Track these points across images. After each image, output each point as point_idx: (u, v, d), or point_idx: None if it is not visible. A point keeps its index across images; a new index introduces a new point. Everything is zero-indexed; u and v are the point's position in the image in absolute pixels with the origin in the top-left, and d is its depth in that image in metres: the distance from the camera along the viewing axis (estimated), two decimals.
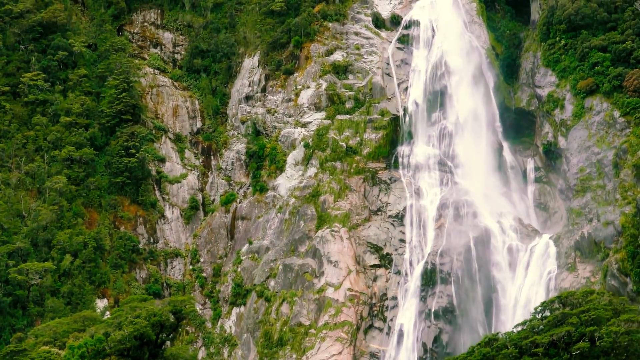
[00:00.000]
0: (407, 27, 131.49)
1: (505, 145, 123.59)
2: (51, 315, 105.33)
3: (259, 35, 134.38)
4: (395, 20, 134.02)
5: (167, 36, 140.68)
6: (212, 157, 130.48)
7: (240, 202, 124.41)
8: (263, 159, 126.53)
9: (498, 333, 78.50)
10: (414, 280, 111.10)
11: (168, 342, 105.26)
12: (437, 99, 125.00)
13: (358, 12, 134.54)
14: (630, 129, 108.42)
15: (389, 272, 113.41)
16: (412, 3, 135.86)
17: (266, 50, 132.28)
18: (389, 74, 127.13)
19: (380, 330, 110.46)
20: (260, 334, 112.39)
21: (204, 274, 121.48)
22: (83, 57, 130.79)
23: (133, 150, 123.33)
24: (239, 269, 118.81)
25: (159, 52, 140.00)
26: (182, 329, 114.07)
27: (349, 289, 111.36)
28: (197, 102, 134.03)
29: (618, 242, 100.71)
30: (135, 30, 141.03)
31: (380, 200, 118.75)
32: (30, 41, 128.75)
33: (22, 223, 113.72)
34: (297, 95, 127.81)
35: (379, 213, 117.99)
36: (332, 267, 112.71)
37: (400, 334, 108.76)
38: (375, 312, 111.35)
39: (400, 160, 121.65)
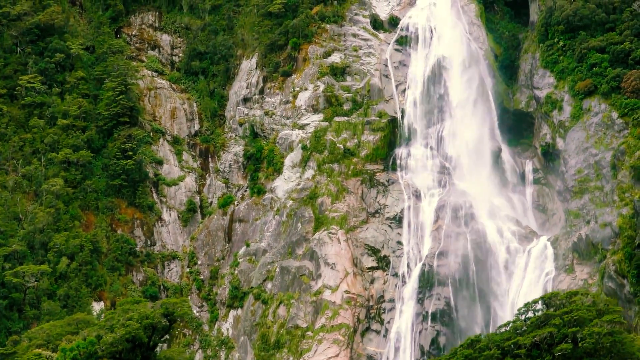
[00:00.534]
0: (405, 28, 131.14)
1: (504, 147, 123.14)
2: (47, 318, 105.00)
3: (257, 37, 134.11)
4: (394, 22, 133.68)
5: (165, 38, 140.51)
6: (209, 160, 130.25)
7: (237, 205, 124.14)
8: (261, 161, 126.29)
9: (480, 334, 78.22)
10: (412, 283, 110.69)
11: (164, 345, 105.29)
12: (435, 100, 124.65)
13: (356, 14, 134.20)
14: (629, 130, 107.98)
15: (387, 275, 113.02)
16: (411, 4, 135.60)
17: (264, 52, 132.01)
18: (387, 76, 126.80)
19: (378, 332, 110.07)
20: (257, 336, 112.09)
21: (201, 277, 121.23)
22: (81, 60, 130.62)
23: (130, 153, 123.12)
24: (236, 272, 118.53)
25: (157, 55, 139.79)
26: (179, 331, 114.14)
27: (346, 292, 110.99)
28: (195, 105, 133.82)
29: (615, 244, 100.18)
30: (133, 33, 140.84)
31: (377, 202, 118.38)
32: (27, 43, 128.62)
33: (18, 226, 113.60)
34: (294, 97, 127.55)
35: (377, 215, 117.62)
36: (329, 270, 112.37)
37: (398, 337, 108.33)
38: (373, 315, 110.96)
39: (398, 162, 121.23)
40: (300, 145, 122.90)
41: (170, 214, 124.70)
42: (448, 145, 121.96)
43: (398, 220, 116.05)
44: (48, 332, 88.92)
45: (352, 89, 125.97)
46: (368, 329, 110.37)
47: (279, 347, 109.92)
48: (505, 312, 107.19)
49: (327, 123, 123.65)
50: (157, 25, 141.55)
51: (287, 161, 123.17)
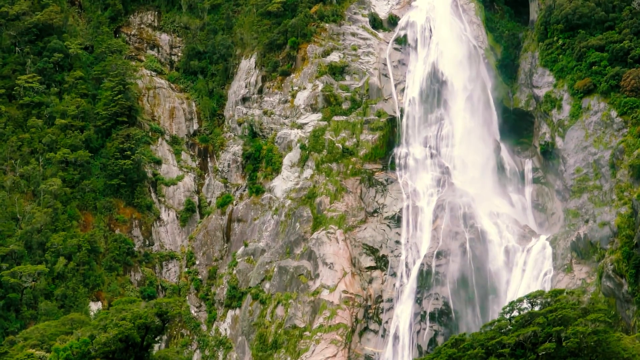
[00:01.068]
0: (404, 27, 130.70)
1: (504, 146, 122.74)
2: (44, 319, 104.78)
3: (256, 36, 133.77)
4: (393, 21, 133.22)
5: (164, 38, 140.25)
6: (208, 159, 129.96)
7: (236, 204, 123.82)
8: (259, 160, 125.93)
9: (465, 333, 77.81)
10: (410, 282, 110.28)
11: (161, 345, 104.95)
12: (435, 99, 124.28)
13: (355, 13, 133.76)
14: (627, 128, 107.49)
15: (385, 274, 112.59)
16: (410, 3, 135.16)
17: (263, 51, 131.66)
18: (386, 75, 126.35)
19: (376, 332, 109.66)
20: (255, 336, 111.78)
21: (200, 277, 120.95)
22: (79, 59, 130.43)
23: (129, 153, 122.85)
24: (235, 272, 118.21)
25: (156, 54, 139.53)
26: (177, 331, 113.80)
27: (344, 291, 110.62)
28: (193, 104, 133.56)
29: (614, 243, 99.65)
30: (132, 32, 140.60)
31: (376, 201, 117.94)
32: (26, 43, 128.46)
33: (16, 226, 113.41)
34: (293, 96, 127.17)
35: (375, 215, 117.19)
36: (327, 269, 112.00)
37: (396, 337, 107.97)
38: (371, 315, 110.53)
39: (396, 161, 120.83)
40: (298, 144, 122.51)
41: (168, 214, 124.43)
42: (447, 145, 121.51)
43: (397, 219, 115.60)
44: (42, 332, 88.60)
45: (351, 88, 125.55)
46: (366, 329, 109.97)
47: (276, 347, 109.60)
48: None
49: (325, 122, 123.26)
50: (156, 24, 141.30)
51: (286, 161, 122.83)
